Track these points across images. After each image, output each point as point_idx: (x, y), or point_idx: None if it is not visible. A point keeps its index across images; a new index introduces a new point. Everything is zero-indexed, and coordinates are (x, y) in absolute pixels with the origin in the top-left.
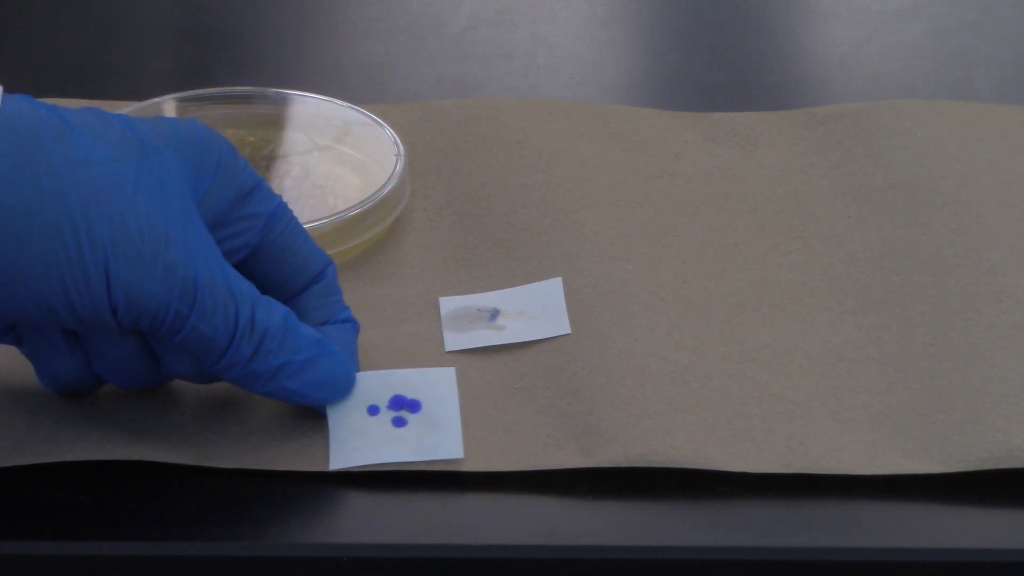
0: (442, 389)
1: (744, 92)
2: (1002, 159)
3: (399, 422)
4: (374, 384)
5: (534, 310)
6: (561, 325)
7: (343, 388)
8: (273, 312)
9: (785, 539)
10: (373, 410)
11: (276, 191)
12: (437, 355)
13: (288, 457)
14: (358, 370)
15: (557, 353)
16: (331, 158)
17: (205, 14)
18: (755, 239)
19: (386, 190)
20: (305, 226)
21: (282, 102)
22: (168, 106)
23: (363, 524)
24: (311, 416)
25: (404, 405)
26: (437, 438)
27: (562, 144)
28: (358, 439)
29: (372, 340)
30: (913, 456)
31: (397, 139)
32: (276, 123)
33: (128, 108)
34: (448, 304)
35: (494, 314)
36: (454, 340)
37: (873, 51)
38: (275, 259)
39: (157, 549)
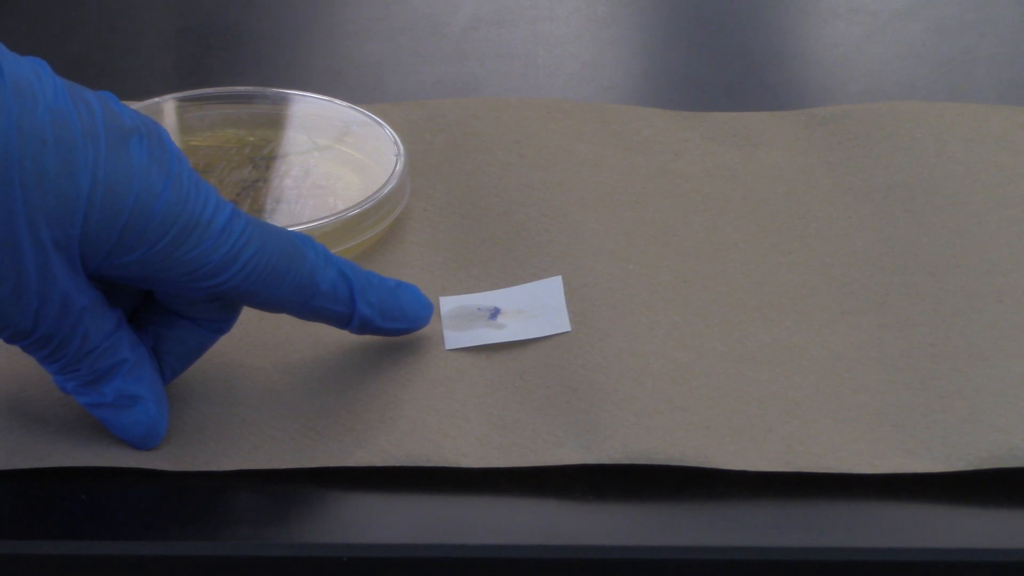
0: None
1: (744, 92)
2: (1002, 159)
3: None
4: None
5: (534, 309)
6: (561, 323)
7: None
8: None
9: (784, 539)
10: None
11: (276, 191)
12: (437, 354)
13: (288, 456)
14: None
15: (557, 351)
16: (331, 158)
17: (205, 14)
18: (755, 239)
19: (386, 190)
20: (305, 226)
21: (282, 102)
22: (168, 106)
23: (363, 524)
24: (310, 416)
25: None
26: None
27: (562, 143)
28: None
29: (372, 339)
30: (913, 455)
31: (397, 139)
32: (276, 123)
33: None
34: (448, 303)
35: (494, 313)
36: (454, 339)
37: (873, 51)
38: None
39: (156, 549)
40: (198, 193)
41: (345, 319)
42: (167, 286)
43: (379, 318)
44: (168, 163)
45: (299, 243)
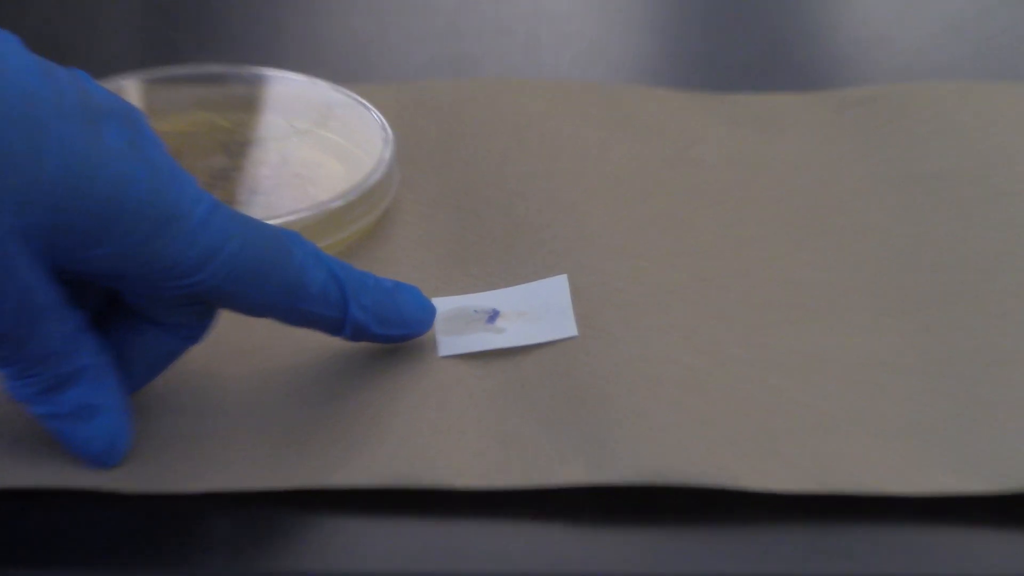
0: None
1: (768, 72)
2: None
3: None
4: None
5: (537, 311)
6: (566, 327)
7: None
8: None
9: (816, 567)
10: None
11: (251, 180)
12: (430, 361)
13: (264, 476)
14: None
15: (562, 358)
16: (312, 144)
17: None
18: (780, 233)
19: (373, 179)
20: (284, 219)
21: (258, 82)
22: (131, 86)
23: (347, 551)
24: (289, 431)
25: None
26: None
27: (567, 129)
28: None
29: (357, 345)
30: (959, 474)
31: (385, 123)
32: (251, 105)
33: None
34: (442, 305)
35: (493, 315)
36: (449, 344)
37: (911, 26)
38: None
39: None
40: (176, 182)
41: (337, 324)
42: (139, 285)
43: (374, 323)
44: (144, 148)
45: (286, 240)
